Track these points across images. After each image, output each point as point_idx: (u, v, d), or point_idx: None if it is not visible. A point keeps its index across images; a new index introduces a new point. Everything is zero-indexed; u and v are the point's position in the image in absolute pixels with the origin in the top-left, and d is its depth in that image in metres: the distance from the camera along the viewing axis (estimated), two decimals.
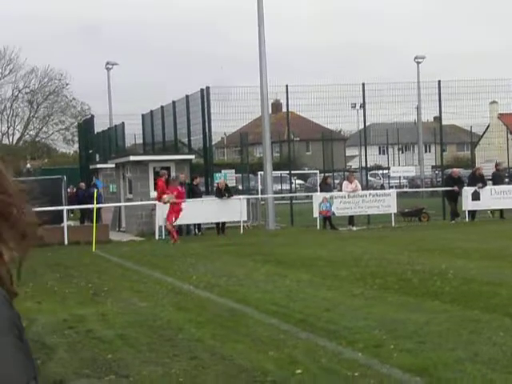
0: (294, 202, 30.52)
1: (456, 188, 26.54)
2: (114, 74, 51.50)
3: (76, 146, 59.27)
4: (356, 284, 12.02)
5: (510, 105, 30.00)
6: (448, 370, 6.70)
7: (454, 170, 29.01)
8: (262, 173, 28.78)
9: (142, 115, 37.46)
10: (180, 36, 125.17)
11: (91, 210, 23.26)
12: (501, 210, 26.92)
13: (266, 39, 26.75)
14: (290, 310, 9.87)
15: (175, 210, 22.40)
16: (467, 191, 26.50)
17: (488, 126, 50.14)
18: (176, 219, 22.44)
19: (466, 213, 26.61)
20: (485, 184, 27.19)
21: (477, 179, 27.09)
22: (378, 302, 10.24)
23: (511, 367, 6.70)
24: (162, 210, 23.85)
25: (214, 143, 35.63)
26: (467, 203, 26.56)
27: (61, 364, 7.53)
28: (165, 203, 22.45)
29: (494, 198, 26.81)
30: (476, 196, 26.54)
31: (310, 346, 7.78)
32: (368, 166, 33.88)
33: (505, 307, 9.40)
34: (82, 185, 32.22)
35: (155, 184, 25.87)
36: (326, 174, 31.90)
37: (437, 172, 44.19)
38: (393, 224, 25.76)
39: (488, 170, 39.73)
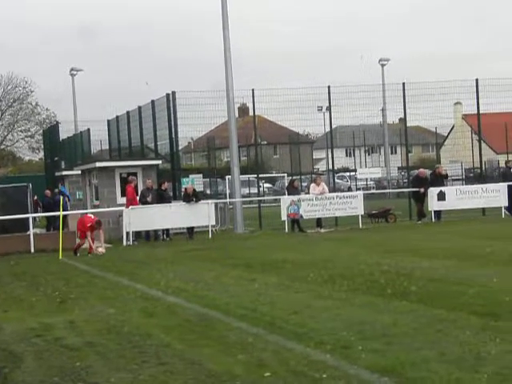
0: (262, 205, 30.59)
1: (422, 189, 26.78)
2: (79, 79, 51.26)
3: (41, 153, 58.80)
4: (324, 286, 12.07)
5: (474, 106, 30.29)
6: (415, 369, 6.76)
7: (421, 170, 29.28)
8: (230, 177, 28.80)
9: (108, 121, 37.26)
10: (146, 40, 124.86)
11: (57, 218, 23.05)
12: None
13: (231, 44, 26.81)
14: (259, 314, 9.89)
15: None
16: (433, 191, 26.75)
17: (453, 126, 50.66)
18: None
19: (432, 213, 26.85)
20: (446, 177, 27.92)
21: (437, 178, 27.43)
22: (345, 304, 10.29)
23: (477, 366, 6.77)
24: (129, 217, 23.76)
25: (180, 148, 35.52)
26: (433, 203, 26.82)
27: (28, 372, 7.46)
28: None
29: (459, 198, 27.11)
30: (442, 196, 26.81)
31: (279, 349, 7.80)
32: (335, 168, 34.07)
33: (471, 306, 9.50)
34: (48, 192, 31.94)
35: (122, 190, 25.78)
36: (293, 177, 31.98)
37: (403, 173, 44.53)
38: (360, 226, 25.91)
39: (453, 171, 40.12)
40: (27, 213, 22.93)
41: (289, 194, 26.96)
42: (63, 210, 26.44)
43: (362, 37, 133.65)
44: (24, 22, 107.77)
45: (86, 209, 27.87)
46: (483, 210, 28.39)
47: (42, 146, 56.02)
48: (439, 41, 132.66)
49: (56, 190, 32.23)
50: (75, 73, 50.65)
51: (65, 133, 43.78)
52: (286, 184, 33.02)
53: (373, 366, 6.92)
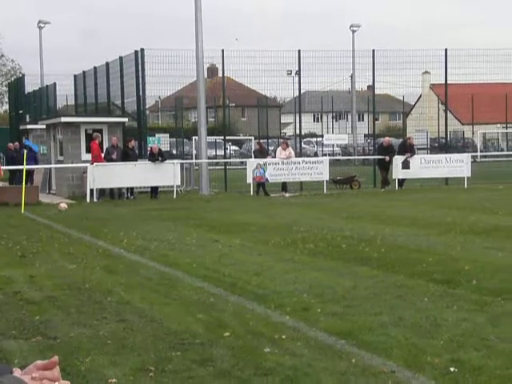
0: (228, 167, 30.53)
1: (387, 157, 26.94)
2: (46, 32, 50.44)
3: (6, 105, 57.90)
4: (287, 249, 12.15)
5: (442, 75, 30.42)
6: (373, 333, 6.86)
7: (386, 138, 29.39)
8: (197, 138, 28.67)
9: (74, 76, 36.75)
10: None
11: (21, 172, 22.84)
12: None
13: (202, 3, 26.49)
14: (221, 274, 9.93)
15: None
16: (397, 160, 26.93)
17: (420, 96, 50.90)
18: None
19: (396, 181, 27.07)
20: (414, 153, 27.69)
21: (407, 149, 27.55)
22: (307, 267, 10.38)
23: (434, 332, 6.89)
24: (93, 174, 23.59)
25: (148, 106, 35.24)
26: (397, 172, 27.02)
27: None
28: None
29: (424, 167, 27.34)
30: (406, 165, 27.01)
31: (239, 310, 7.86)
32: (302, 133, 34.08)
33: (430, 274, 9.63)
34: (10, 145, 31.51)
35: (87, 147, 25.54)
36: (261, 141, 31.96)
37: (369, 140, 44.77)
38: (325, 191, 26.05)
39: (418, 140, 40.41)
40: None
41: (255, 158, 26.96)
42: (34, 164, 26.28)
43: (335, 2, 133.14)
44: None
45: (50, 164, 27.63)
46: (446, 179, 28.69)
47: (7, 99, 55.13)
48: (412, 9, 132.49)
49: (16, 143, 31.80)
50: (43, 25, 49.77)
51: (31, 86, 43.14)
52: (253, 147, 32.98)
53: (331, 328, 7.00)
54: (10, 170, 28.14)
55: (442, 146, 36.64)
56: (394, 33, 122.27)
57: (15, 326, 7.32)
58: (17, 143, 31.76)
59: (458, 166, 27.51)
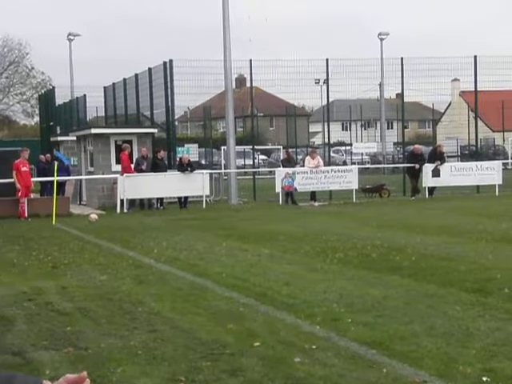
0: (256, 177, 30.57)
1: (417, 165, 26.77)
2: (76, 45, 50.91)
3: (37, 118, 58.57)
4: (316, 258, 12.11)
5: (472, 82, 30.19)
6: (404, 343, 6.81)
7: (416, 146, 29.23)
8: (225, 147, 28.74)
9: (104, 88, 37.08)
10: (146, 6, 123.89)
11: (57, 183, 23.06)
12: None
13: (230, 14, 26.60)
14: (250, 284, 9.92)
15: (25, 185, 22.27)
16: (428, 168, 26.75)
17: (450, 103, 50.60)
18: (24, 195, 22.14)
19: (426, 189, 26.88)
20: (444, 161, 27.48)
21: (437, 156, 27.35)
22: (337, 276, 10.34)
23: (465, 341, 6.82)
24: (124, 184, 23.73)
25: (176, 117, 35.41)
26: (427, 180, 26.84)
27: (19, 336, 7.49)
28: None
29: (454, 174, 27.14)
30: (436, 173, 26.82)
31: (269, 320, 7.84)
32: (331, 142, 34.02)
33: (461, 282, 9.55)
34: (42, 157, 31.83)
35: (117, 157, 25.72)
36: (289, 150, 31.97)
37: (398, 149, 44.57)
38: (354, 200, 25.95)
39: (449, 147, 40.18)
40: None
41: (283, 167, 26.96)
42: (66, 175, 26.55)
43: (362, 10, 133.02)
44: None
45: (81, 175, 27.86)
46: (477, 187, 28.44)
47: (37, 111, 55.78)
48: (440, 16, 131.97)
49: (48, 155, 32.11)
50: (73, 38, 50.32)
51: (61, 98, 43.60)
52: (281, 156, 32.99)
53: (362, 338, 6.96)
54: (40, 182, 28.42)
55: (473, 153, 36.36)
56: (423, 40, 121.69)
57: (46, 337, 7.37)
58: (48, 155, 32.08)
59: (488, 173, 27.27)
